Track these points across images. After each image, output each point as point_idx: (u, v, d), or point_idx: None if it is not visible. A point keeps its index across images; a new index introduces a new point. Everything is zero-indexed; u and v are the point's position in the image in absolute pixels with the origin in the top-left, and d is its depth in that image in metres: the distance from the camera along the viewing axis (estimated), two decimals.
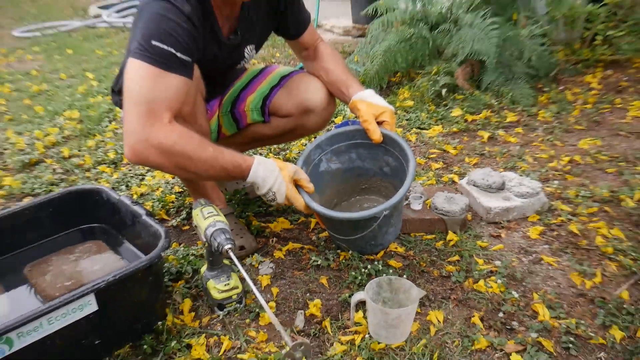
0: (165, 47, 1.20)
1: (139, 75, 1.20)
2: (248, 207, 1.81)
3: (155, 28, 1.21)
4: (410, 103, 2.63)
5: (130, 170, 2.18)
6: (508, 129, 2.38)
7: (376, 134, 1.46)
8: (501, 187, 1.72)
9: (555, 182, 1.87)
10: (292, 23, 1.60)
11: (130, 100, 1.21)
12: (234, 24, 1.46)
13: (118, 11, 5.18)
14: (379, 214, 1.31)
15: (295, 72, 1.69)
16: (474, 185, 1.76)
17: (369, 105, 1.49)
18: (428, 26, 2.83)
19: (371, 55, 2.80)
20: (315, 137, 1.98)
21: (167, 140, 1.20)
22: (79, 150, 2.40)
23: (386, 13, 2.86)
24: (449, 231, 1.60)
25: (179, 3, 1.23)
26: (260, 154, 2.21)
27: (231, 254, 1.19)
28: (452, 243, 1.55)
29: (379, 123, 1.49)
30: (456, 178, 1.95)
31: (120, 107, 1.58)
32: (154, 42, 1.19)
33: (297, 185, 1.38)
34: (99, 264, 1.45)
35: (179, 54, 1.22)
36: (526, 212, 1.68)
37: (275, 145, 2.25)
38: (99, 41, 4.47)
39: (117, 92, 1.55)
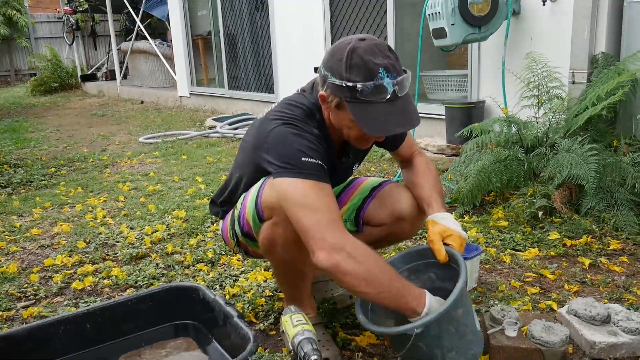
0: (314, 160, 1.32)
1: (300, 188, 1.29)
2: (335, 317, 1.81)
3: (297, 147, 1.32)
4: (504, 223, 2.58)
5: (225, 270, 2.29)
6: (611, 257, 2.24)
7: (441, 255, 1.44)
8: (606, 320, 1.60)
9: None
10: (389, 138, 1.69)
11: (302, 210, 1.29)
12: (344, 146, 1.58)
13: (230, 124, 5.72)
14: (409, 331, 1.28)
15: (385, 182, 1.77)
16: (575, 315, 1.65)
17: (438, 225, 1.50)
18: (523, 149, 2.85)
19: (465, 174, 2.83)
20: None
21: (358, 249, 1.28)
22: (181, 248, 2.57)
23: (481, 135, 2.92)
24: None
25: (305, 126, 1.39)
26: None
27: None
28: None
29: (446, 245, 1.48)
30: (555, 305, 1.84)
31: (219, 217, 1.73)
32: (303, 159, 1.30)
33: None
34: None
35: (323, 164, 1.34)
36: (637, 350, 1.53)
37: None
38: (211, 149, 4.91)
39: (218, 204, 1.71)
